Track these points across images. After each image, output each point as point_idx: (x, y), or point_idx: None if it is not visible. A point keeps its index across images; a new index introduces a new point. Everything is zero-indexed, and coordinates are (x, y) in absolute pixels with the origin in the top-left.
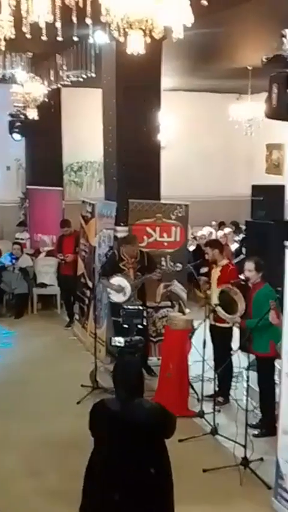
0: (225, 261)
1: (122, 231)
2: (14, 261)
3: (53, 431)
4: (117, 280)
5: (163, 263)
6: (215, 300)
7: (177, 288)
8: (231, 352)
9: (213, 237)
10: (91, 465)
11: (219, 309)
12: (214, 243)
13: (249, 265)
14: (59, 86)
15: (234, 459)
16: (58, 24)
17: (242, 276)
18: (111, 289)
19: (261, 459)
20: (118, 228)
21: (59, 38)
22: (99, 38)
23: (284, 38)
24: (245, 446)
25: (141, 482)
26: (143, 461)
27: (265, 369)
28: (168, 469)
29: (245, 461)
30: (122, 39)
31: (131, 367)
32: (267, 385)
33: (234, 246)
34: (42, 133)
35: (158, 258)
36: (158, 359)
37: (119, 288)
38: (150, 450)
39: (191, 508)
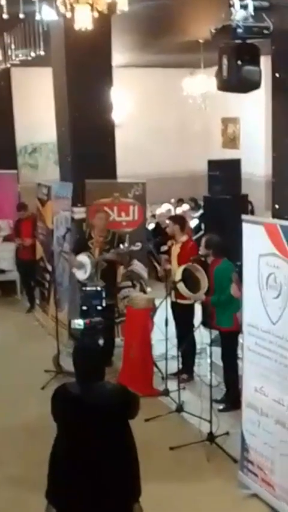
0: (184, 237)
1: (79, 212)
2: None
3: (17, 417)
4: (80, 257)
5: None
6: (176, 276)
7: (138, 267)
8: (194, 328)
9: (172, 214)
10: (55, 450)
11: (181, 286)
12: (176, 218)
13: (202, 241)
14: (8, 65)
15: (200, 435)
16: (3, 1)
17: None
18: (74, 266)
19: (227, 433)
20: (75, 209)
21: (5, 16)
22: (46, 14)
23: (232, 8)
24: (210, 422)
25: (106, 465)
26: (107, 444)
27: (229, 344)
28: (133, 449)
29: (211, 437)
30: (68, 14)
31: (90, 349)
32: (231, 360)
33: (193, 223)
34: None
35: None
36: (121, 340)
37: (80, 264)
38: (114, 432)
39: (159, 487)
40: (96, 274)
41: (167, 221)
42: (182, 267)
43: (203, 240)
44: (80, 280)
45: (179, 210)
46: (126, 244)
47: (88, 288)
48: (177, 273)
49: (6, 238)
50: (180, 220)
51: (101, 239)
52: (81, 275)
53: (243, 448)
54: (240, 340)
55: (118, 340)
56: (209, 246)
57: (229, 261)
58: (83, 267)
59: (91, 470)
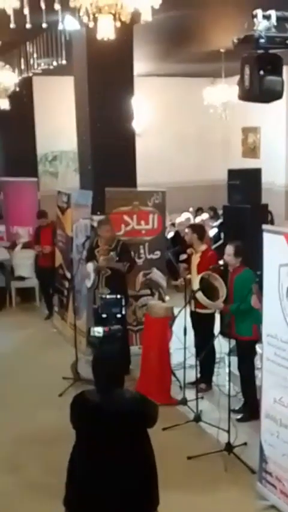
0: (204, 247)
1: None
2: None
3: (35, 424)
4: (88, 265)
5: (141, 251)
6: (195, 286)
7: (157, 275)
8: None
9: (191, 223)
10: (73, 458)
11: (200, 294)
12: (196, 228)
13: (229, 250)
14: (30, 74)
15: (218, 445)
16: (26, 11)
17: (221, 262)
18: (83, 273)
19: (245, 444)
20: (95, 217)
21: (28, 25)
22: (68, 24)
23: (255, 19)
24: (228, 432)
25: (123, 473)
26: (125, 452)
27: (246, 353)
28: (151, 458)
29: (229, 447)
30: (91, 24)
31: (109, 357)
32: (248, 369)
33: (212, 232)
34: (15, 124)
35: (137, 246)
36: (139, 348)
37: (86, 273)
38: (132, 441)
39: (176, 496)
40: (100, 281)
41: (186, 230)
42: (200, 276)
43: (232, 248)
44: (88, 287)
45: (198, 219)
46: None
47: (108, 296)
48: (196, 282)
49: (26, 246)
50: (198, 230)
51: (106, 247)
52: (88, 283)
53: (262, 459)
54: (259, 350)
55: (136, 349)
56: (238, 254)
57: (250, 270)
58: (88, 274)
59: (109, 478)
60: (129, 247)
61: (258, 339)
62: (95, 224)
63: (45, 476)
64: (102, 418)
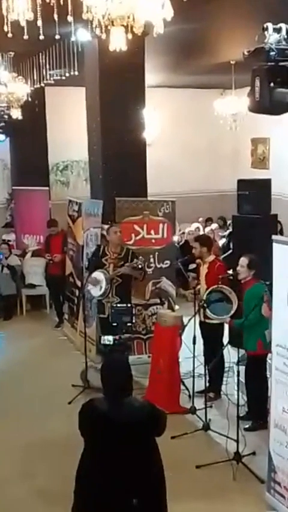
0: (211, 257)
1: None
2: (1, 256)
3: (45, 432)
4: (95, 274)
5: (151, 260)
6: (204, 295)
7: (166, 284)
8: (222, 347)
9: (201, 233)
10: (82, 465)
11: (205, 307)
12: (204, 241)
13: (243, 261)
14: (42, 85)
15: (226, 454)
16: (39, 23)
17: (230, 271)
18: (89, 282)
19: (254, 453)
20: (105, 226)
21: (41, 37)
22: (81, 35)
23: (266, 32)
24: (237, 441)
25: (132, 481)
26: (133, 460)
27: (252, 367)
28: (160, 466)
29: (238, 456)
30: (104, 36)
31: (118, 365)
32: (254, 382)
33: (221, 241)
34: (27, 133)
35: (147, 255)
36: (149, 356)
37: (95, 281)
38: (141, 449)
39: (185, 505)
40: (111, 290)
41: (194, 244)
42: (211, 288)
43: (246, 260)
44: (95, 296)
45: (207, 229)
46: (141, 257)
47: (119, 305)
48: (205, 294)
49: (35, 254)
50: (207, 243)
51: (115, 255)
52: (96, 292)
53: (270, 469)
54: (269, 360)
55: (145, 357)
56: (252, 267)
57: (262, 284)
58: (98, 283)
59: (117, 486)
60: (137, 255)
61: (263, 354)
62: (105, 233)
63: (54, 483)
64: (110, 427)
